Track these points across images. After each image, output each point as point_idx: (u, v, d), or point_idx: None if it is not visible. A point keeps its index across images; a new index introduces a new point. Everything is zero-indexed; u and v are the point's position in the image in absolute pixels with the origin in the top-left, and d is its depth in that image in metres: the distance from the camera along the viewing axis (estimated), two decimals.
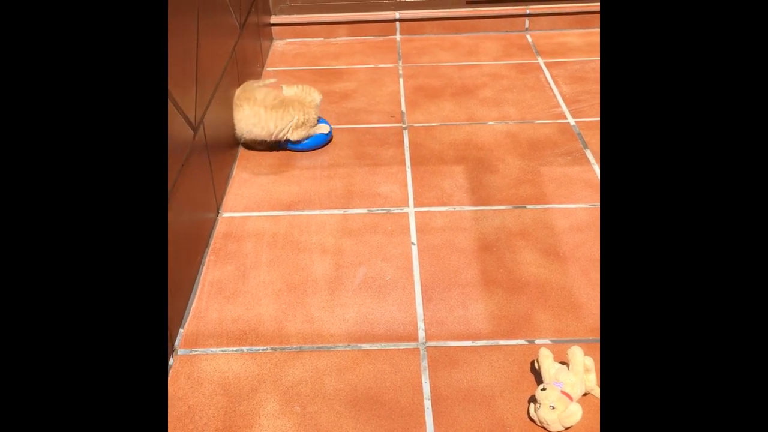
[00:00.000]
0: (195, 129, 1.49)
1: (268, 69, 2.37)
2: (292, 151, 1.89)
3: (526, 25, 2.58)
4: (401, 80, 2.27)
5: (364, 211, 1.65)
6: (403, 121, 2.02)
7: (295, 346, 1.29)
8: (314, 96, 1.89)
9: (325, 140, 1.90)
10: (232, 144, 1.86)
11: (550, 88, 2.18)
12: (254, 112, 1.83)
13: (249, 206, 1.68)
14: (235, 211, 1.66)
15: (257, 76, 2.26)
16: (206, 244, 1.54)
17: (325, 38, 2.61)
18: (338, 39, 2.60)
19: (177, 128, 1.37)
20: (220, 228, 1.60)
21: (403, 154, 1.86)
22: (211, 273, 1.47)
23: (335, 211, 1.65)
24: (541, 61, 2.36)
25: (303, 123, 1.84)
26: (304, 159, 1.86)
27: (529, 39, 2.53)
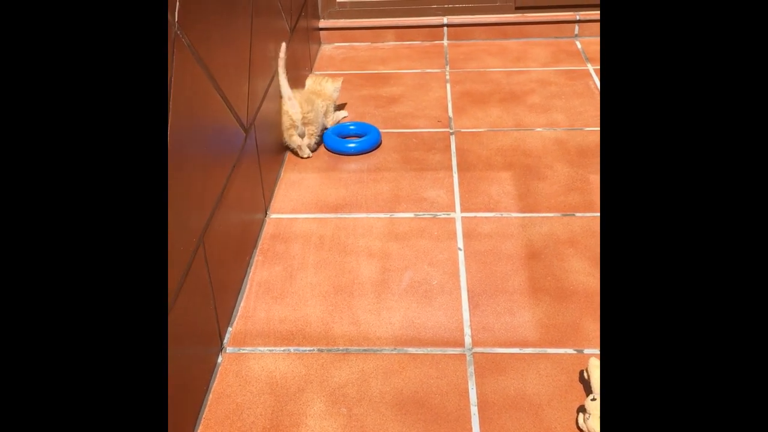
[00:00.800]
0: (246, 130, 1.51)
1: (316, 73, 2.39)
2: (340, 154, 1.90)
3: (576, 32, 2.56)
4: (448, 85, 2.27)
5: (411, 215, 1.65)
6: (450, 127, 2.02)
7: (341, 348, 1.29)
8: (323, 86, 2.01)
9: (375, 144, 1.91)
10: (281, 146, 1.87)
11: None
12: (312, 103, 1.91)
13: (296, 208, 1.69)
14: (282, 213, 1.68)
15: (305, 79, 2.28)
16: (254, 245, 1.56)
17: (372, 43, 2.62)
18: (385, 44, 2.61)
19: (229, 129, 1.39)
20: (268, 229, 1.62)
21: (450, 159, 1.86)
22: (259, 273, 1.48)
23: (382, 215, 1.65)
24: (590, 67, 2.34)
25: (326, 111, 1.98)
26: (351, 162, 1.87)
27: (579, 45, 2.50)
